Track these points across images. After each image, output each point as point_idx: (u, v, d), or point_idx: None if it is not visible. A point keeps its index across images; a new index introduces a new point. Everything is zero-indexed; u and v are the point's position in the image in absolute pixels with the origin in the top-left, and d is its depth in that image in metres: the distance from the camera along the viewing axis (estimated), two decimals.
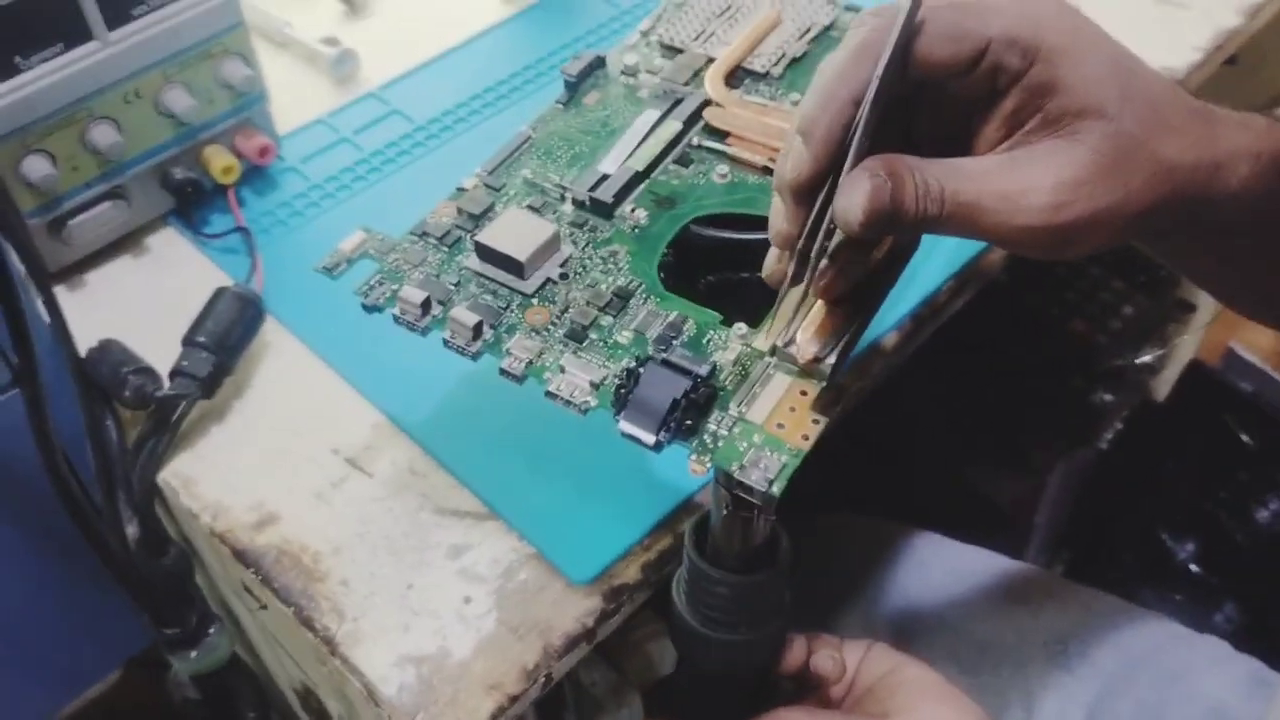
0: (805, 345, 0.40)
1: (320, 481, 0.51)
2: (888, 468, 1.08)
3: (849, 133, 0.36)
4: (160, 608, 0.55)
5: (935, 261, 0.58)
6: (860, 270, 0.41)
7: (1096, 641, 0.66)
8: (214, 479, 0.52)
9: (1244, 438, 1.10)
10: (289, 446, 0.53)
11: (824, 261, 0.40)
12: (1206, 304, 1.08)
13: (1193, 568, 1.14)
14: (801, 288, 0.40)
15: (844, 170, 0.36)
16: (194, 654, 0.57)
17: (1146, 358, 0.99)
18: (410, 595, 0.47)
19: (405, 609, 0.47)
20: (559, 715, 0.58)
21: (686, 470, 0.39)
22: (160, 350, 0.53)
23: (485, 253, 0.44)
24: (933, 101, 0.39)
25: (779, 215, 0.39)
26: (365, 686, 0.45)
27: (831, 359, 0.40)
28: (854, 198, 0.35)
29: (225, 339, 0.53)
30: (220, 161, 0.61)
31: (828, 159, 0.37)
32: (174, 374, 0.52)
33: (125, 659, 0.68)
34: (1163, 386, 1.16)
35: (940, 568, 0.72)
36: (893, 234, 0.38)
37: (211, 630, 0.57)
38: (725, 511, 0.40)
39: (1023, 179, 0.36)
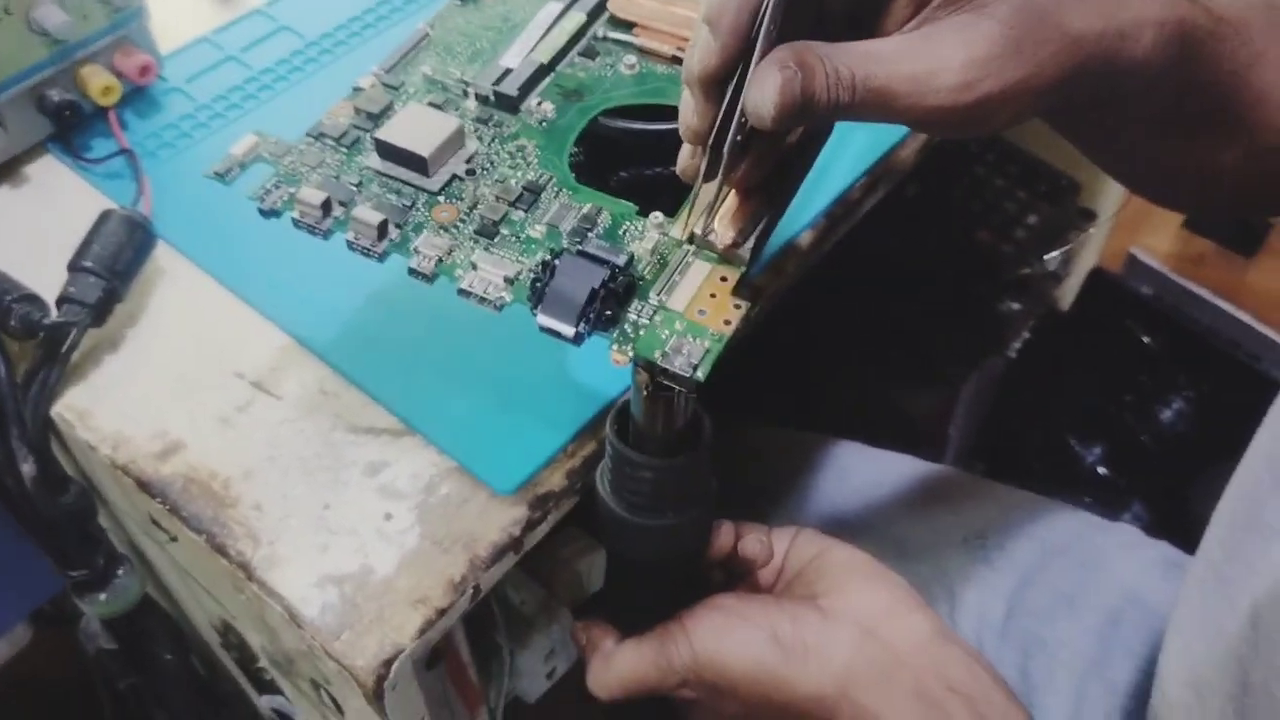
0: (723, 232, 0.40)
1: (225, 406, 0.49)
2: (805, 386, 1.09)
3: (756, 19, 0.35)
4: (64, 549, 0.52)
5: (846, 160, 0.58)
6: (774, 158, 0.41)
7: (1013, 534, 0.67)
8: (111, 410, 0.49)
9: (1145, 340, 1.13)
10: (190, 372, 0.50)
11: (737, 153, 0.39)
12: (1107, 210, 1.10)
13: (1101, 470, 1.18)
14: (716, 181, 0.39)
15: (753, 60, 0.35)
16: (103, 596, 0.54)
17: (1053, 254, 1.00)
18: (328, 515, 0.46)
19: (323, 529, 0.45)
20: (490, 635, 0.57)
21: (607, 373, 0.39)
22: (47, 282, 0.50)
23: (386, 150, 0.42)
24: None
25: (689, 109, 0.38)
26: (286, 609, 0.43)
27: (750, 243, 0.39)
28: (765, 91, 0.34)
29: (114, 263, 0.50)
30: (99, 81, 0.57)
31: (736, 48, 0.36)
32: (61, 301, 0.49)
33: (33, 608, 0.66)
34: (1067, 294, 1.18)
35: (861, 474, 0.73)
36: (806, 124, 0.37)
37: (120, 571, 0.55)
38: (645, 394, 0.39)
39: (932, 58, 0.35)
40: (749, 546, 0.47)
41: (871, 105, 0.35)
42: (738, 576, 0.48)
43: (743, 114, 0.36)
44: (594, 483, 0.45)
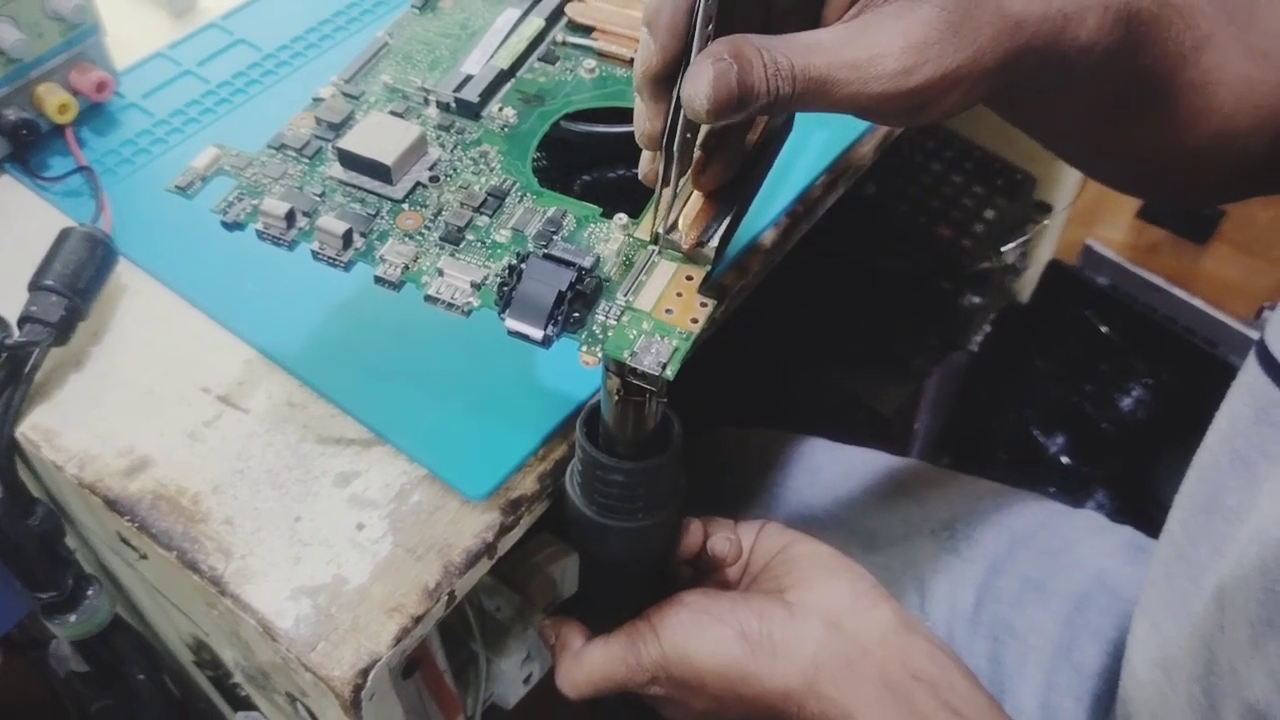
0: (687, 231, 0.40)
1: (192, 422, 0.49)
2: (773, 386, 1.10)
3: (693, 17, 0.36)
4: (33, 571, 0.52)
5: (807, 158, 0.59)
6: (736, 157, 0.41)
7: (981, 524, 0.68)
8: (77, 428, 0.49)
9: (1104, 330, 1.15)
10: (155, 389, 0.50)
11: (698, 152, 0.39)
12: (1062, 202, 1.12)
13: (1064, 459, 1.19)
14: (675, 181, 0.39)
15: (692, 57, 0.35)
16: (73, 617, 0.54)
17: (1010, 246, 1.02)
18: (299, 527, 0.46)
19: (295, 541, 0.45)
20: (465, 643, 0.57)
21: (576, 376, 0.39)
22: (8, 302, 0.49)
23: (349, 159, 0.42)
24: None
25: (641, 115, 0.38)
26: (260, 623, 0.43)
27: (714, 242, 0.40)
28: (698, 85, 0.34)
29: (75, 281, 0.50)
30: (55, 99, 0.57)
31: (676, 47, 0.36)
32: (23, 321, 0.49)
33: (1, 633, 0.65)
34: (1026, 287, 1.20)
35: (830, 470, 0.73)
36: (747, 116, 0.38)
37: (90, 591, 0.54)
38: (616, 398, 0.40)
39: (872, 45, 0.35)
40: (717, 545, 0.47)
41: (814, 95, 0.35)
42: (704, 572, 0.49)
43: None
44: (563, 485, 0.45)
